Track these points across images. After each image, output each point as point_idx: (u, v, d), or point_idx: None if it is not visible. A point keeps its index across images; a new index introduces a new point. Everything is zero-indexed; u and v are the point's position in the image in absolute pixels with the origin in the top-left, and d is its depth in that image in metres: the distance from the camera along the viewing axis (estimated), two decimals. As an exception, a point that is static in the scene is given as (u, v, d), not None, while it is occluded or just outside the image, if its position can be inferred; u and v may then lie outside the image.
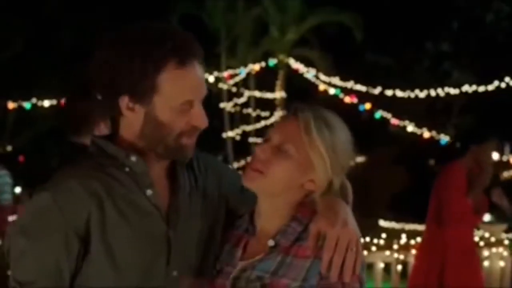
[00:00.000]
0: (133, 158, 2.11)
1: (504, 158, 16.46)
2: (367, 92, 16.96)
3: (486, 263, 7.60)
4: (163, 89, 2.05)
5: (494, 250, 7.92)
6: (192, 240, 2.19)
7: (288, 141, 2.13)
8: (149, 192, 2.11)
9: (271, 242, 2.15)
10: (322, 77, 18.11)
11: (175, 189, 2.20)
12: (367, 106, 15.91)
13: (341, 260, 2.04)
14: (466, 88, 16.01)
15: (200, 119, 2.13)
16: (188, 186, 2.24)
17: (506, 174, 18.13)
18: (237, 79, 21.19)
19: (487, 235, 8.04)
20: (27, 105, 15.60)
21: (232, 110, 24.00)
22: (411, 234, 8.19)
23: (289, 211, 2.19)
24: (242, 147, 23.07)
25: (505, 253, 7.91)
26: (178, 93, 2.08)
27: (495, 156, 13.53)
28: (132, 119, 2.10)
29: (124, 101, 2.07)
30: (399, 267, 7.52)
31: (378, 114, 16.07)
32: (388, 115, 16.21)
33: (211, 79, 16.84)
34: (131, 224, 2.07)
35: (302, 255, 2.10)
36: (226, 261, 2.21)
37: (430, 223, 6.53)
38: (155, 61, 2.04)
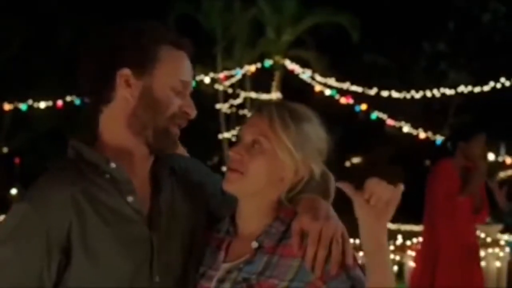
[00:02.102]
0: (113, 165, 2.08)
1: (500, 159, 16.47)
2: (363, 93, 16.98)
3: (482, 264, 7.61)
4: (162, 62, 2.09)
5: (490, 250, 7.93)
6: (174, 244, 2.16)
7: (259, 135, 2.13)
8: (130, 198, 2.08)
9: (254, 244, 2.13)
10: (318, 78, 18.11)
11: (157, 192, 2.18)
12: (363, 107, 15.93)
13: (326, 254, 2.02)
14: (461, 88, 16.04)
15: (192, 107, 2.16)
16: (170, 189, 2.22)
17: (502, 174, 18.15)
18: (233, 80, 21.20)
19: (483, 235, 8.05)
20: (23, 106, 15.57)
21: (228, 111, 24.00)
22: (407, 235, 8.20)
23: (271, 210, 2.17)
24: (238, 148, 23.01)
25: (501, 254, 7.92)
26: (176, 70, 2.12)
27: (491, 156, 13.57)
28: (125, 98, 2.09)
29: (123, 76, 2.07)
30: (395, 268, 7.53)
31: (374, 115, 16.08)
32: (384, 116, 16.23)
33: (207, 80, 16.85)
34: (114, 231, 2.04)
35: (288, 254, 2.08)
36: (208, 264, 2.19)
37: (426, 224, 6.54)
38: (154, 36, 2.10)
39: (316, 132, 2.19)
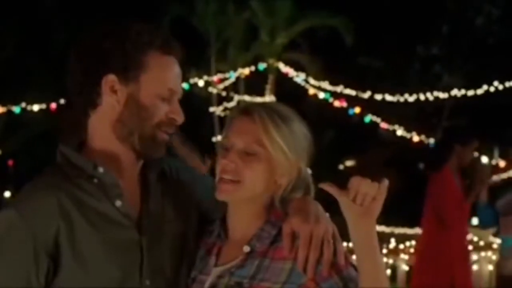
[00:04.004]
0: (101, 170, 2.07)
1: (494, 162, 16.49)
2: (357, 96, 16.99)
3: (475, 267, 7.62)
4: (149, 69, 2.07)
5: (483, 254, 7.95)
6: (165, 247, 2.14)
7: (253, 141, 2.11)
8: (118, 203, 2.07)
9: (246, 248, 2.12)
10: (312, 81, 18.11)
11: (147, 196, 2.16)
12: (357, 110, 15.94)
13: (317, 255, 2.02)
14: (455, 91, 16.07)
15: (179, 113, 2.14)
16: (160, 192, 2.20)
17: (495, 177, 18.14)
18: (226, 83, 21.17)
19: (475, 239, 8.06)
20: (16, 109, 15.51)
21: (222, 114, 23.94)
22: (400, 238, 8.20)
23: (262, 214, 2.16)
24: (232, 151, 22.97)
25: (494, 257, 7.94)
26: (163, 78, 2.10)
27: (484, 159, 13.59)
28: (111, 104, 2.07)
29: (109, 82, 2.05)
30: (388, 271, 7.53)
31: (368, 118, 16.09)
32: (377, 119, 16.24)
33: (200, 83, 16.83)
34: (103, 236, 2.03)
35: (279, 257, 2.08)
36: (199, 269, 2.18)
37: (429, 227, 6.55)
38: (142, 41, 2.07)
39: (302, 131, 2.19)
